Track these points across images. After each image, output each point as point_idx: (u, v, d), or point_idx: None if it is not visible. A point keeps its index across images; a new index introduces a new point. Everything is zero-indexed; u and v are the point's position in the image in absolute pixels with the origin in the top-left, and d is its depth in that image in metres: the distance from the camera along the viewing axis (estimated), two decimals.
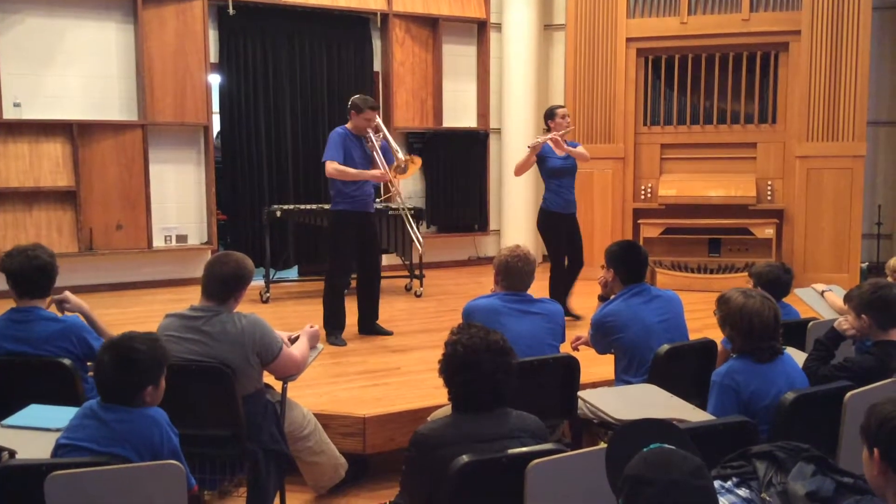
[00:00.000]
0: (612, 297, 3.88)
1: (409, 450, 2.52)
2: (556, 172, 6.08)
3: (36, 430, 2.75)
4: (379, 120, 5.66)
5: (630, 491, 1.71)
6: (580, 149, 6.17)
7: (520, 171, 6.25)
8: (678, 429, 2.11)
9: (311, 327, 3.60)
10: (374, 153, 5.55)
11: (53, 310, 3.41)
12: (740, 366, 2.97)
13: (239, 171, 8.20)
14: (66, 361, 3.17)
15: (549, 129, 6.14)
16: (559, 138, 5.97)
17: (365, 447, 4.01)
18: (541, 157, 6.10)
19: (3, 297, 3.38)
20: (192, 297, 3.44)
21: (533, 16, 9.15)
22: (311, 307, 6.40)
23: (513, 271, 3.67)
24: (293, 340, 3.50)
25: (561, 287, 6.18)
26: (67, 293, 3.46)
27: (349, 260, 5.71)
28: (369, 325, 5.81)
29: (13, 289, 3.34)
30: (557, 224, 6.13)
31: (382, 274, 8.13)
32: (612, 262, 3.88)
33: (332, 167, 5.43)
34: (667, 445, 1.82)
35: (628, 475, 1.73)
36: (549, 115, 6.17)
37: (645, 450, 1.78)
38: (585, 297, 6.19)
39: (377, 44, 8.88)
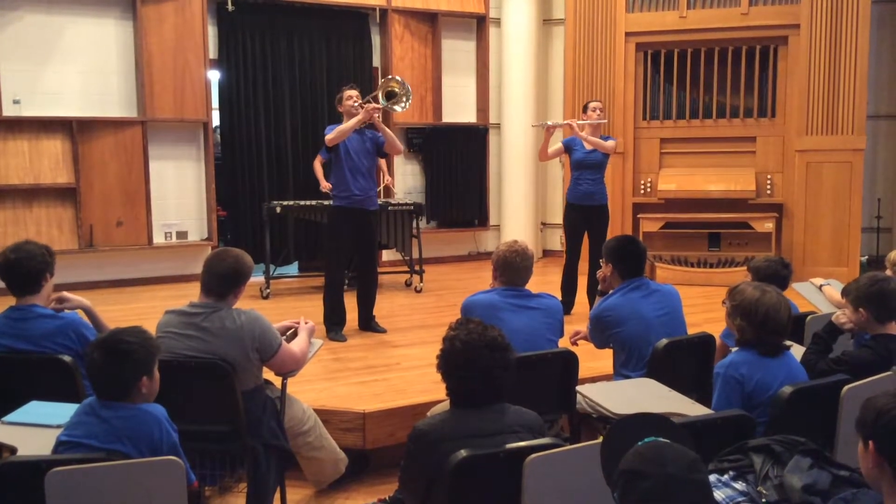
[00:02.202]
0: (611, 291, 3.89)
1: (408, 445, 2.53)
2: (577, 164, 6.23)
3: (36, 427, 2.75)
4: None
5: (625, 485, 1.72)
6: (609, 142, 6.24)
7: (540, 155, 6.45)
8: (673, 423, 2.12)
9: (306, 322, 3.60)
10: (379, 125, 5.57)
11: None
12: (744, 358, 2.96)
13: (239, 167, 8.20)
14: (66, 358, 3.18)
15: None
16: (575, 125, 6.10)
17: (365, 442, 4.02)
18: (569, 148, 6.27)
19: (3, 293, 3.38)
20: (191, 294, 3.45)
21: (532, 11, 9.14)
22: (311, 303, 6.41)
23: (511, 266, 3.68)
24: (284, 332, 3.50)
25: (571, 280, 6.23)
26: (65, 293, 3.47)
27: (344, 256, 5.72)
28: (365, 323, 5.83)
29: (7, 288, 3.36)
30: (571, 215, 6.29)
31: (383, 269, 8.18)
32: (611, 257, 3.89)
33: (328, 137, 5.46)
34: (662, 439, 1.82)
35: (623, 469, 1.74)
36: (584, 108, 6.35)
37: (640, 444, 1.78)
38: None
39: (376, 39, 8.88)
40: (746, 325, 2.99)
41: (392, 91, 5.63)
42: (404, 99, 5.65)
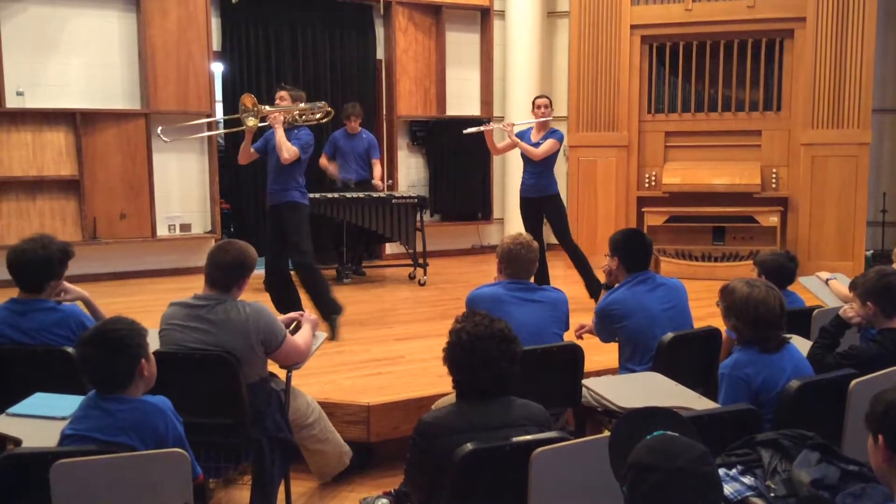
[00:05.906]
0: (617, 285, 3.87)
1: (414, 438, 2.52)
2: (524, 159, 6.44)
3: (41, 419, 2.75)
4: (286, 95, 5.54)
5: (634, 478, 1.71)
6: (542, 147, 6.27)
7: (492, 151, 6.90)
8: (681, 416, 2.11)
9: (310, 315, 3.59)
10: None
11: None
12: (747, 357, 2.94)
13: None
14: (70, 350, 3.17)
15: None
16: (507, 130, 6.35)
17: (369, 435, 4.02)
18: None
19: (7, 285, 3.39)
20: (195, 286, 3.44)
21: (536, 3, 9.11)
22: None
23: (515, 259, 3.67)
24: (287, 324, 3.49)
25: (541, 270, 6.31)
26: (65, 283, 3.48)
27: (267, 253, 5.64)
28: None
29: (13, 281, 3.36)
30: (523, 207, 6.55)
31: (387, 262, 8.18)
32: (617, 251, 3.87)
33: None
34: (670, 433, 1.81)
35: (632, 462, 1.73)
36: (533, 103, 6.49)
37: (648, 437, 1.77)
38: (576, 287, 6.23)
39: (380, 31, 8.86)
40: (741, 324, 2.98)
41: (244, 107, 5.40)
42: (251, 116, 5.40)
